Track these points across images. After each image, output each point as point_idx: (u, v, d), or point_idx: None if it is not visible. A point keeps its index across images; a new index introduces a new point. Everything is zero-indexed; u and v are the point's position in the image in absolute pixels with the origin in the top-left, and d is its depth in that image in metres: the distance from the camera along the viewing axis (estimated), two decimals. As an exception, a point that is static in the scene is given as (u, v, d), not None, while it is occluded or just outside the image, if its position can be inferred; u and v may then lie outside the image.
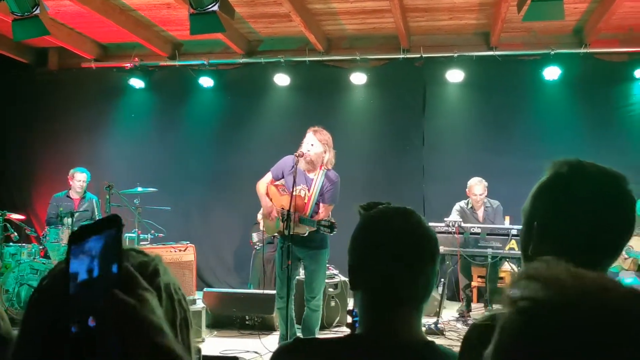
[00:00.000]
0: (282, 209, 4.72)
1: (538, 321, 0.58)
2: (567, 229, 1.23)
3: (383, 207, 1.35)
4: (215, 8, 5.03)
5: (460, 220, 6.12)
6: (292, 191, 4.54)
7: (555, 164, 1.30)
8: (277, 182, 4.97)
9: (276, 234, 4.96)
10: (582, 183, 1.24)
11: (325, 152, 4.81)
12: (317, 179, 4.82)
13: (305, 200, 4.80)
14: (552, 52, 7.06)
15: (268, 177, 5.01)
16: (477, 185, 6.48)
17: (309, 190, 4.84)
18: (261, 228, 6.91)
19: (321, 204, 4.83)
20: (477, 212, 6.60)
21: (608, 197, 1.23)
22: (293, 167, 4.74)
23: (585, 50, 7.07)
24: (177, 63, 8.07)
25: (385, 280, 1.27)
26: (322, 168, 4.84)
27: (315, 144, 4.78)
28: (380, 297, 1.29)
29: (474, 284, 6.94)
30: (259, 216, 7.00)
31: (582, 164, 1.27)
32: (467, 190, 6.60)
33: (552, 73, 7.09)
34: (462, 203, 6.66)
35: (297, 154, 4.66)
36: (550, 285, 0.60)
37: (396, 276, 1.27)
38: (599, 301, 0.57)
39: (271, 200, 4.91)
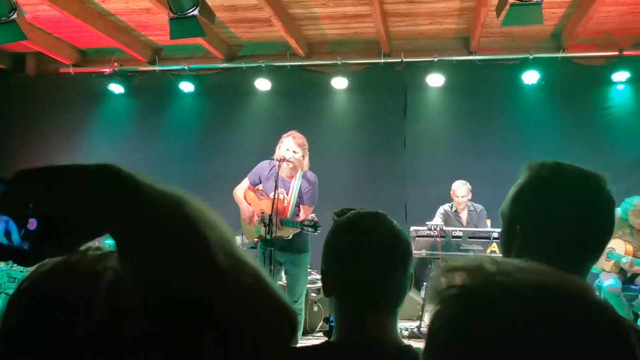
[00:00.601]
0: (263, 213, 4.72)
1: (465, 307, 0.59)
2: (549, 231, 1.23)
3: (355, 212, 1.34)
4: (196, 12, 5.02)
5: (442, 224, 6.15)
6: (275, 195, 4.54)
7: (533, 166, 1.30)
8: (255, 188, 4.96)
9: (256, 239, 4.94)
10: (562, 184, 1.25)
11: (304, 157, 4.88)
12: (295, 181, 4.87)
13: (285, 203, 4.83)
14: (531, 57, 7.13)
15: (245, 183, 5.04)
16: (460, 188, 6.52)
17: (287, 193, 4.87)
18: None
19: (301, 206, 4.88)
20: (460, 215, 6.63)
21: (588, 197, 1.23)
22: (270, 171, 4.75)
23: (563, 55, 7.16)
24: (157, 68, 8.01)
25: (358, 284, 1.27)
26: (299, 171, 4.89)
27: (297, 150, 4.82)
28: (354, 302, 1.28)
29: (456, 287, 6.96)
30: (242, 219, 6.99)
31: (561, 165, 1.27)
32: (451, 192, 6.63)
33: (531, 77, 7.16)
34: (446, 206, 6.69)
35: (279, 159, 4.66)
36: (475, 273, 0.61)
37: (369, 280, 1.27)
38: (524, 283, 0.59)
39: (250, 205, 4.91)
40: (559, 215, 1.23)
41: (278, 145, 4.94)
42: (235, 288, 0.64)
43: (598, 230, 1.24)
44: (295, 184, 4.86)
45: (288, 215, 4.77)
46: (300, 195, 4.86)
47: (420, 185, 7.57)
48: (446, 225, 6.33)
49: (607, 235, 1.26)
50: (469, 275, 0.62)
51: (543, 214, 1.25)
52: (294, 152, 4.80)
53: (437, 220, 6.50)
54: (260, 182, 5.00)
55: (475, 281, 0.61)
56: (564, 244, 1.22)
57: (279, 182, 4.79)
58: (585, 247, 1.24)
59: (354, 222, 1.34)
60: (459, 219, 6.61)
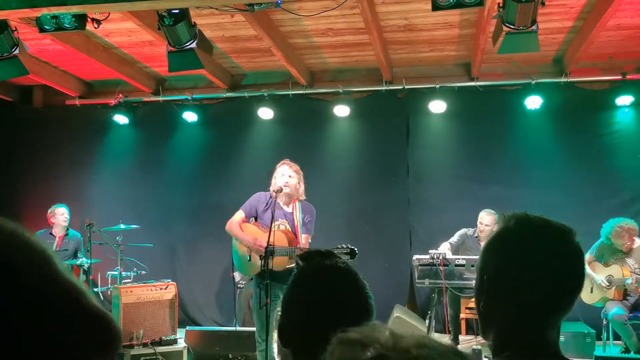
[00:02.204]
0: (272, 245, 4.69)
1: None
2: (515, 284, 1.22)
3: (319, 263, 1.31)
4: (193, 45, 5.06)
5: (446, 252, 6.08)
6: (271, 226, 4.52)
7: (504, 219, 1.29)
8: (253, 221, 4.92)
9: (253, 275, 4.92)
10: (529, 237, 1.24)
11: (299, 183, 4.93)
12: (296, 211, 4.90)
13: (294, 232, 4.85)
14: (533, 82, 7.11)
15: (239, 215, 4.98)
16: (487, 216, 6.45)
17: (293, 222, 4.87)
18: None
19: (303, 235, 4.87)
20: (481, 243, 6.54)
21: (555, 250, 1.22)
22: (268, 203, 4.73)
23: (566, 80, 7.12)
24: (160, 98, 8.08)
25: (320, 339, 1.23)
26: (297, 200, 4.93)
27: (292, 175, 4.90)
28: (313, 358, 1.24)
29: (462, 316, 6.87)
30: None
31: (529, 218, 1.26)
32: (478, 219, 6.55)
33: (533, 102, 7.13)
34: (470, 230, 6.63)
35: (275, 190, 4.67)
36: (370, 346, 0.60)
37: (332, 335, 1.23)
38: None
39: (251, 239, 4.88)
40: (523, 267, 1.22)
41: (273, 176, 4.98)
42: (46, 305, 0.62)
43: (565, 282, 1.22)
44: (297, 213, 4.88)
45: (300, 244, 4.79)
46: (303, 224, 4.88)
47: (424, 213, 7.52)
48: (461, 248, 6.27)
49: (575, 288, 1.23)
50: (363, 350, 0.60)
51: (510, 266, 1.24)
52: (290, 176, 4.87)
53: (455, 239, 6.45)
54: (257, 214, 4.95)
55: (370, 356, 0.60)
56: (528, 297, 1.20)
57: (279, 212, 4.80)
58: (551, 299, 1.22)
59: (319, 275, 1.31)
60: (478, 246, 6.53)
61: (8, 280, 0.60)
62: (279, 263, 4.58)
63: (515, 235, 1.25)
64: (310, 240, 4.97)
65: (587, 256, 5.91)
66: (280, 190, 4.71)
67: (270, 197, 4.86)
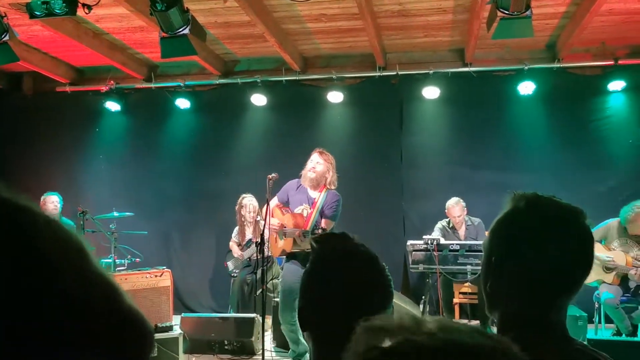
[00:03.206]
0: (284, 227, 4.97)
1: None
2: (524, 264, 1.22)
3: (338, 248, 1.30)
4: (186, 31, 5.01)
5: (439, 238, 6.11)
6: (267, 211, 4.53)
7: (514, 198, 1.28)
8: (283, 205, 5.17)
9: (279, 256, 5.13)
10: (538, 219, 1.23)
11: (328, 172, 5.12)
12: (320, 197, 5.07)
13: (306, 217, 5.01)
14: (526, 68, 7.12)
15: (274, 201, 5.21)
16: (454, 207, 6.50)
17: (311, 207, 5.07)
18: (235, 255, 6.86)
19: (323, 219, 5.06)
20: (458, 231, 6.60)
21: (564, 232, 1.22)
22: (298, 188, 5.08)
23: (558, 65, 7.13)
24: (153, 85, 8.02)
25: (339, 322, 1.24)
26: (325, 189, 5.11)
27: (321, 162, 5.10)
28: (333, 339, 1.25)
29: (455, 300, 6.92)
30: (231, 244, 6.98)
31: (539, 198, 1.25)
32: (445, 211, 6.60)
33: (526, 88, 7.14)
34: (444, 222, 6.66)
35: (271, 177, 4.75)
36: (396, 332, 0.60)
37: (351, 319, 1.24)
38: (447, 342, 0.58)
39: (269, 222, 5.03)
40: (532, 248, 1.21)
41: (307, 163, 5.19)
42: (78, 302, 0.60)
43: (573, 264, 1.22)
44: (320, 200, 5.05)
45: (308, 228, 4.90)
46: (322, 211, 5.04)
47: (417, 199, 7.55)
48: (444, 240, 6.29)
49: (583, 270, 1.23)
50: (389, 337, 0.60)
51: (518, 247, 1.23)
52: (318, 162, 5.08)
53: (436, 235, 6.47)
54: (288, 200, 5.18)
55: (397, 341, 0.59)
56: (536, 278, 1.21)
57: (304, 197, 5.08)
58: (558, 281, 1.22)
59: (338, 257, 1.30)
60: (457, 234, 6.58)
61: (46, 278, 0.58)
62: (287, 245, 4.85)
63: (524, 217, 1.24)
64: (331, 226, 5.08)
65: None
66: (276, 178, 4.81)
67: (301, 185, 5.12)
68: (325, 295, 1.25)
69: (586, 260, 1.23)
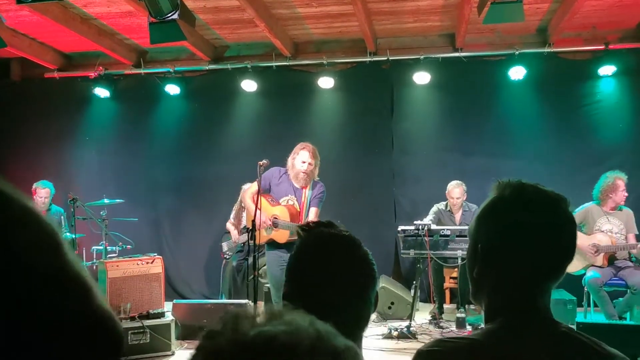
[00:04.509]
0: (276, 218, 4.98)
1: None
2: (509, 252, 1.24)
3: (322, 232, 1.31)
4: (175, 16, 4.96)
5: (430, 222, 6.13)
6: (258, 199, 4.53)
7: (499, 186, 1.30)
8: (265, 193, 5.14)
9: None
10: (523, 206, 1.25)
11: (316, 167, 5.19)
12: (308, 190, 5.13)
13: (298, 209, 5.08)
14: (517, 52, 7.11)
15: (254, 187, 5.14)
16: (455, 189, 6.49)
17: (301, 199, 5.12)
18: (232, 237, 6.86)
19: (311, 208, 5.13)
20: (455, 215, 6.61)
21: (548, 220, 1.24)
22: (281, 178, 5.06)
23: (549, 50, 7.13)
24: (142, 71, 7.96)
25: (318, 308, 1.24)
26: (311, 181, 5.20)
27: (312, 162, 5.12)
28: None
29: (446, 285, 6.97)
30: (228, 225, 6.96)
31: (524, 186, 1.27)
32: (446, 193, 6.61)
33: (517, 73, 7.14)
34: (441, 205, 6.66)
35: (261, 163, 4.74)
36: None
37: (331, 304, 1.24)
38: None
39: (261, 210, 4.98)
40: (517, 236, 1.23)
41: (292, 156, 5.15)
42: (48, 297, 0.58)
43: (557, 251, 1.24)
44: (307, 192, 5.11)
45: (302, 220, 4.96)
46: (310, 200, 5.12)
47: (408, 184, 7.56)
48: (439, 224, 6.31)
49: (567, 256, 1.25)
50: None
51: (504, 234, 1.25)
52: (309, 164, 5.08)
53: (430, 218, 6.49)
54: (270, 188, 5.16)
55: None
56: (524, 266, 1.22)
57: (290, 189, 5.10)
58: (544, 267, 1.24)
59: (322, 243, 1.31)
60: (453, 218, 6.60)
61: (15, 279, 0.56)
62: (280, 237, 4.89)
63: (509, 204, 1.26)
64: (318, 214, 5.16)
65: None
66: (299, 172, 4.99)
67: (285, 173, 5.12)
68: (310, 280, 1.26)
69: (570, 246, 1.25)
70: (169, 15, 4.93)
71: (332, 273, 1.25)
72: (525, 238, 1.22)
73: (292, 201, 5.07)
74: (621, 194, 5.79)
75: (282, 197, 5.06)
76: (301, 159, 5.09)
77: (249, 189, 5.26)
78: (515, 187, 1.27)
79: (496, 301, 1.25)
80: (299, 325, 0.58)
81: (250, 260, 5.06)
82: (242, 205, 6.82)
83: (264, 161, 4.84)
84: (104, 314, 0.64)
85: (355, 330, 1.28)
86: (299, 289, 1.29)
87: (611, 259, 5.81)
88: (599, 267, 5.76)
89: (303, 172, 5.05)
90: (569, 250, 1.25)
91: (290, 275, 1.32)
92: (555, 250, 1.23)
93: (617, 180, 5.79)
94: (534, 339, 1.17)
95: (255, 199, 4.91)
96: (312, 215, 5.10)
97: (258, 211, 4.57)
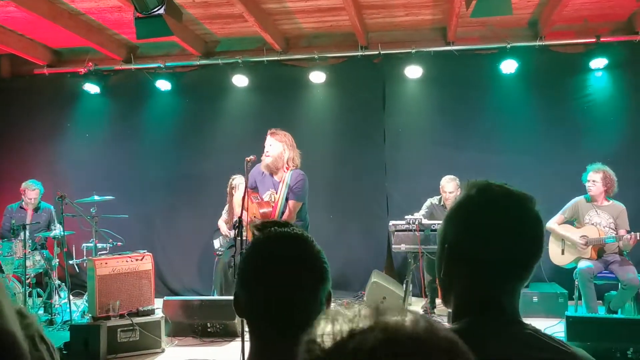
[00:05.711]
0: (255, 217, 4.82)
1: None
2: (474, 251, 1.22)
3: (273, 232, 1.28)
4: (161, 11, 4.92)
5: (421, 217, 6.11)
6: (245, 197, 4.50)
7: (467, 186, 1.29)
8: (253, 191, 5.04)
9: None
10: (488, 205, 1.24)
11: (284, 150, 4.91)
12: (284, 180, 4.91)
13: (273, 204, 4.90)
14: (509, 46, 7.08)
15: (242, 188, 5.12)
16: (449, 183, 6.46)
17: (276, 193, 4.93)
18: (222, 233, 6.84)
19: (289, 201, 4.92)
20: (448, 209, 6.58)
21: (514, 219, 1.22)
22: (263, 174, 4.91)
23: (540, 43, 7.10)
24: (132, 66, 7.91)
25: (270, 308, 1.22)
26: (288, 169, 4.93)
27: (273, 144, 4.90)
28: (266, 325, 1.23)
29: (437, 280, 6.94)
30: (220, 222, 6.94)
31: (490, 186, 1.26)
32: (440, 187, 6.58)
33: (509, 66, 7.10)
34: (435, 199, 6.64)
35: (248, 159, 4.63)
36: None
37: (282, 303, 1.22)
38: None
39: (247, 210, 4.93)
40: (483, 235, 1.22)
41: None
42: None
43: (523, 250, 1.22)
44: (284, 182, 4.89)
45: (276, 216, 4.79)
46: (288, 192, 4.90)
47: (401, 179, 7.53)
48: (432, 219, 6.29)
49: (533, 257, 1.23)
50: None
51: (469, 234, 1.24)
52: (270, 145, 4.89)
53: (423, 212, 6.47)
54: (256, 185, 5.06)
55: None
56: (488, 264, 1.21)
57: (269, 182, 4.92)
58: (509, 267, 1.22)
59: (272, 242, 1.29)
60: (446, 212, 6.56)
61: None
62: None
63: (475, 204, 1.25)
64: (298, 207, 4.98)
65: (558, 216, 5.96)
66: (253, 159, 4.68)
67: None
68: (259, 281, 1.23)
69: (537, 245, 1.24)
70: (155, 10, 4.89)
71: (282, 272, 1.22)
72: (490, 237, 1.21)
73: (273, 195, 4.93)
74: (595, 189, 5.75)
75: (265, 193, 4.96)
76: (266, 143, 4.96)
77: (237, 194, 5.16)
78: (482, 187, 1.26)
79: (462, 302, 1.24)
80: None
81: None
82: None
83: (251, 157, 4.73)
84: (7, 335, 0.61)
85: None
86: (247, 290, 1.27)
87: (600, 253, 5.79)
88: (588, 259, 5.75)
89: (265, 156, 4.89)
90: (535, 249, 1.23)
91: (240, 276, 1.29)
92: (520, 250, 1.21)
93: (591, 174, 5.78)
94: (499, 339, 1.15)
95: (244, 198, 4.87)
96: (290, 209, 4.89)
97: (244, 212, 4.49)
